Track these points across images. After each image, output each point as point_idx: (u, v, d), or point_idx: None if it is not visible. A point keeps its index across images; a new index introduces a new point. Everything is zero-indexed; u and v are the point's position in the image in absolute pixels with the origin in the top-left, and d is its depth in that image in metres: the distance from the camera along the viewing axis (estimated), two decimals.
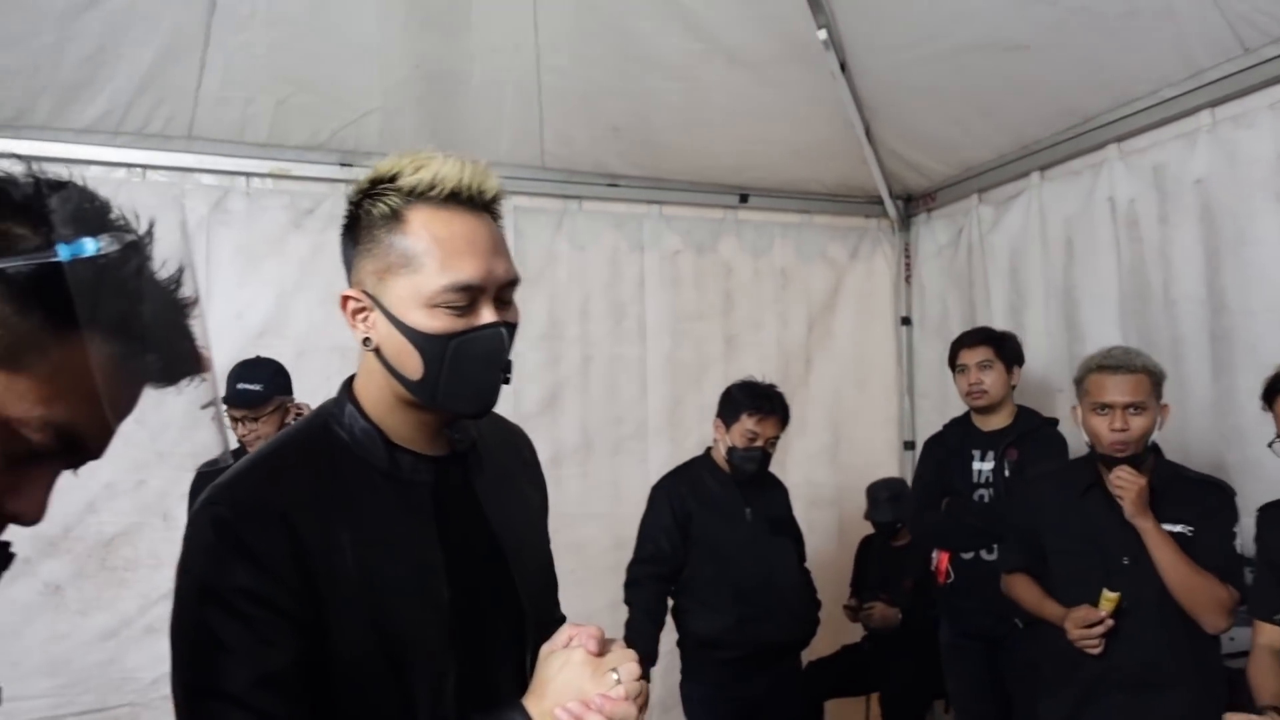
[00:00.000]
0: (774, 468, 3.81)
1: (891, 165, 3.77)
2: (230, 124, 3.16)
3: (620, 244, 3.69)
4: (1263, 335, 2.52)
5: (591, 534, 3.50)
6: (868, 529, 3.60)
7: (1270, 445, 1.90)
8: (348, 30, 2.96)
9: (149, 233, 0.65)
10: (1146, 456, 2.14)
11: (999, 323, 3.48)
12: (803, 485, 3.91)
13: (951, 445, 2.94)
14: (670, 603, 2.65)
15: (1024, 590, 2.32)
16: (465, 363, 0.99)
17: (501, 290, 1.02)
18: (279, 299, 3.26)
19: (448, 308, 0.98)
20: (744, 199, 3.83)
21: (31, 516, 0.64)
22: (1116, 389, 2.11)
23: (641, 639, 2.37)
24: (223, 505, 0.96)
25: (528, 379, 3.49)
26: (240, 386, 2.65)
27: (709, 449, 2.77)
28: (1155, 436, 2.16)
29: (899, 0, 2.94)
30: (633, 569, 2.58)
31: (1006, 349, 2.89)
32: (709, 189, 3.78)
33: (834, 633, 3.56)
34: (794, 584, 2.66)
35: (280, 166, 3.28)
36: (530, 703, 0.98)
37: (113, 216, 0.63)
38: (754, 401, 2.58)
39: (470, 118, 3.32)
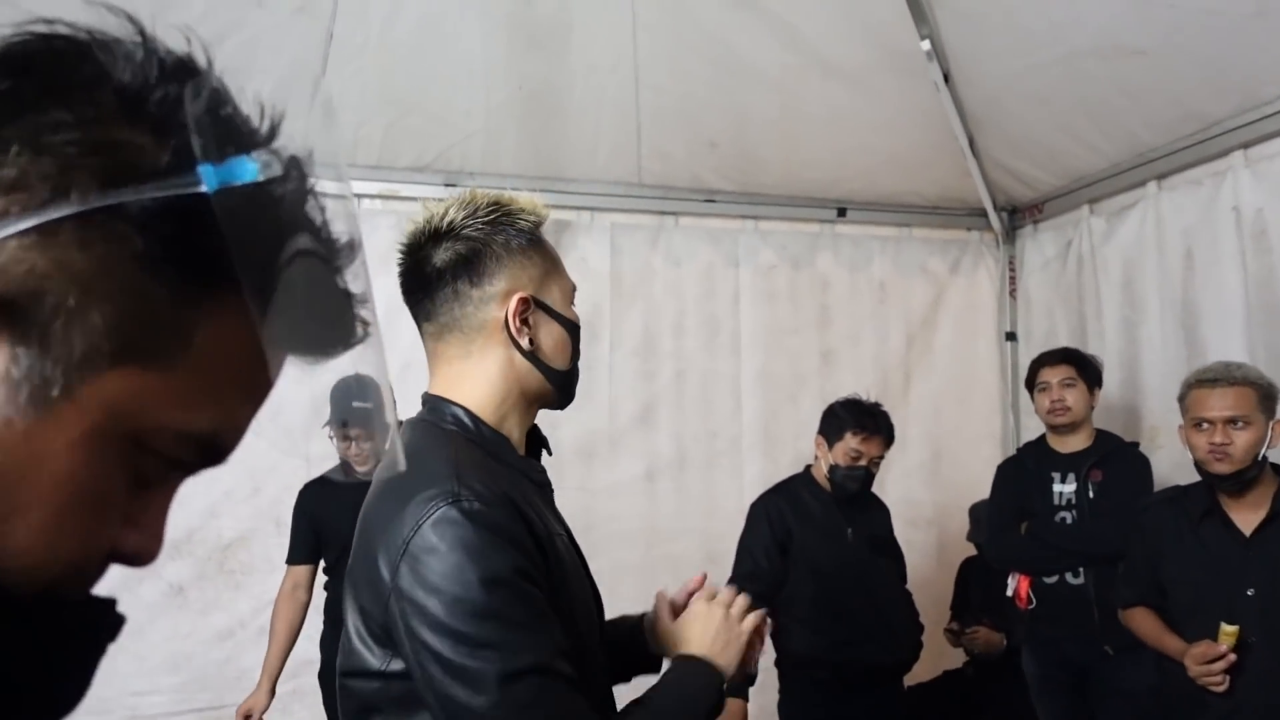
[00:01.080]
0: (873, 486, 3.80)
1: (996, 176, 3.67)
2: (344, 147, 3.29)
3: (716, 259, 3.69)
4: None
5: (684, 549, 3.50)
6: (968, 549, 3.49)
7: None
8: (454, 53, 3.05)
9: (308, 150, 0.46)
10: (1256, 473, 2.03)
11: (1112, 338, 3.35)
12: (901, 504, 3.81)
13: (1029, 468, 2.84)
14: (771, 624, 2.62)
15: (1144, 623, 2.21)
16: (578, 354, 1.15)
17: None
18: (387, 315, 3.29)
19: (571, 305, 1.15)
20: (842, 213, 3.79)
21: (150, 555, 0.46)
22: (1215, 403, 2.04)
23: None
24: (465, 500, 0.95)
25: (623, 393, 3.52)
26: (357, 405, 2.58)
27: (809, 466, 2.73)
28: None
29: (1006, 8, 2.86)
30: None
31: (1089, 369, 2.79)
32: (805, 203, 3.75)
33: (935, 657, 3.46)
34: (896, 605, 2.59)
35: (389, 188, 3.40)
36: (700, 653, 1.12)
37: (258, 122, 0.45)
38: (859, 420, 2.54)
39: (568, 136, 3.38)
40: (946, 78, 3.14)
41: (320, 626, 2.80)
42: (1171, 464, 2.78)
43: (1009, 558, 2.86)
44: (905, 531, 3.81)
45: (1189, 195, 3.04)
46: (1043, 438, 2.92)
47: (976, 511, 3.37)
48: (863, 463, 2.52)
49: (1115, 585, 2.38)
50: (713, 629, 1.14)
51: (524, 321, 1.09)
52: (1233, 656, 1.94)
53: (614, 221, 3.58)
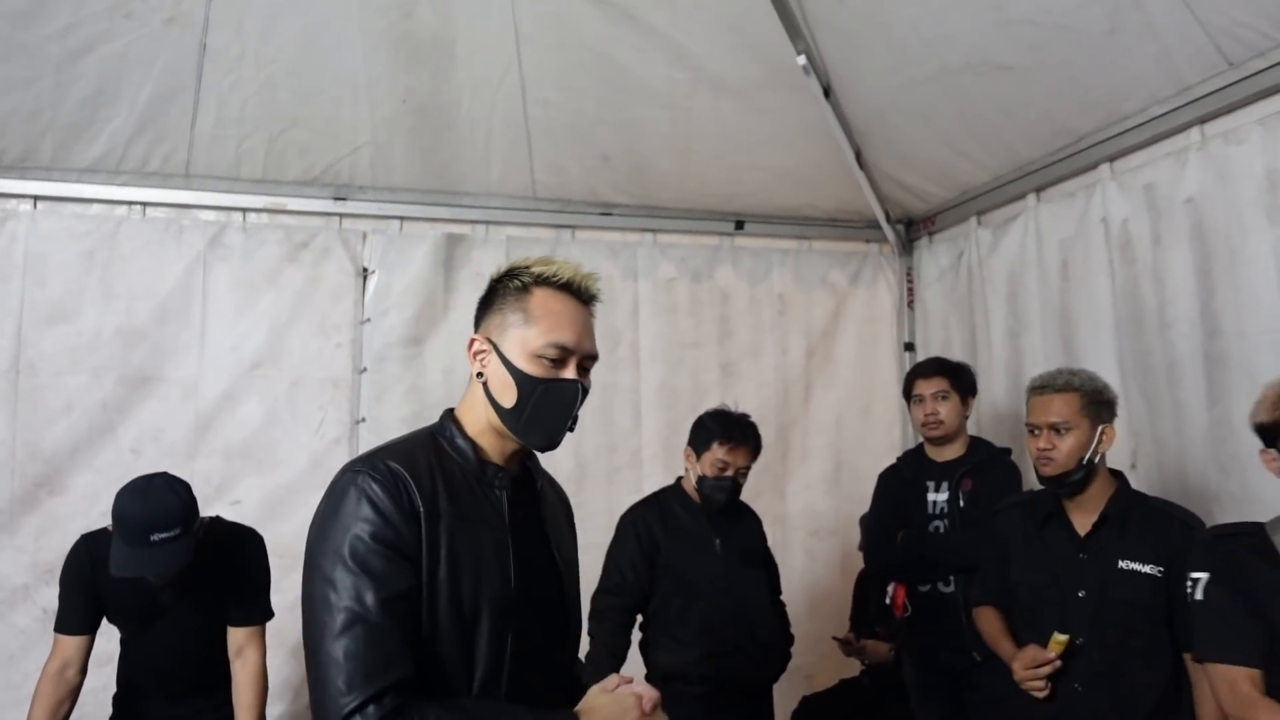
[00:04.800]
0: (774, 496, 3.81)
1: (887, 189, 3.72)
2: (226, 161, 3.24)
3: (614, 272, 3.69)
4: (1258, 359, 2.41)
5: (585, 564, 3.42)
6: None
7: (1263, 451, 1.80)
8: (335, 65, 3.03)
9: None
10: (1088, 477, 2.08)
11: (998, 348, 3.41)
12: (804, 515, 3.86)
13: (906, 477, 2.88)
14: (640, 636, 2.61)
15: (986, 624, 2.25)
16: (546, 403, 1.30)
17: (584, 360, 1.36)
18: (273, 331, 3.32)
19: (545, 359, 1.30)
20: (740, 226, 3.82)
21: None
22: (1042, 409, 2.10)
23: (599, 672, 2.32)
24: (358, 470, 1.24)
25: None
26: (158, 539, 2.04)
27: (680, 478, 2.73)
28: (1121, 462, 2.07)
29: (880, 24, 2.91)
30: (597, 600, 2.55)
31: (962, 379, 2.84)
32: (703, 216, 3.78)
33: (835, 666, 3.48)
34: (765, 617, 2.59)
35: (275, 201, 3.36)
36: (582, 716, 1.24)
37: None
38: (726, 430, 2.55)
39: (460, 150, 3.37)
40: (827, 92, 3.18)
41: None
42: None
43: (886, 566, 2.89)
44: (807, 542, 3.86)
45: (1064, 207, 3.11)
46: (921, 447, 2.96)
47: (865, 522, 3.39)
48: (729, 473, 2.52)
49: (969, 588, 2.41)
50: (611, 711, 1.24)
51: (479, 358, 1.35)
52: (1059, 663, 1.97)
53: (510, 235, 3.57)
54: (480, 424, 1.34)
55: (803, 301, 3.89)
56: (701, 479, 2.56)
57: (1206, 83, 2.52)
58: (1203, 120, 2.58)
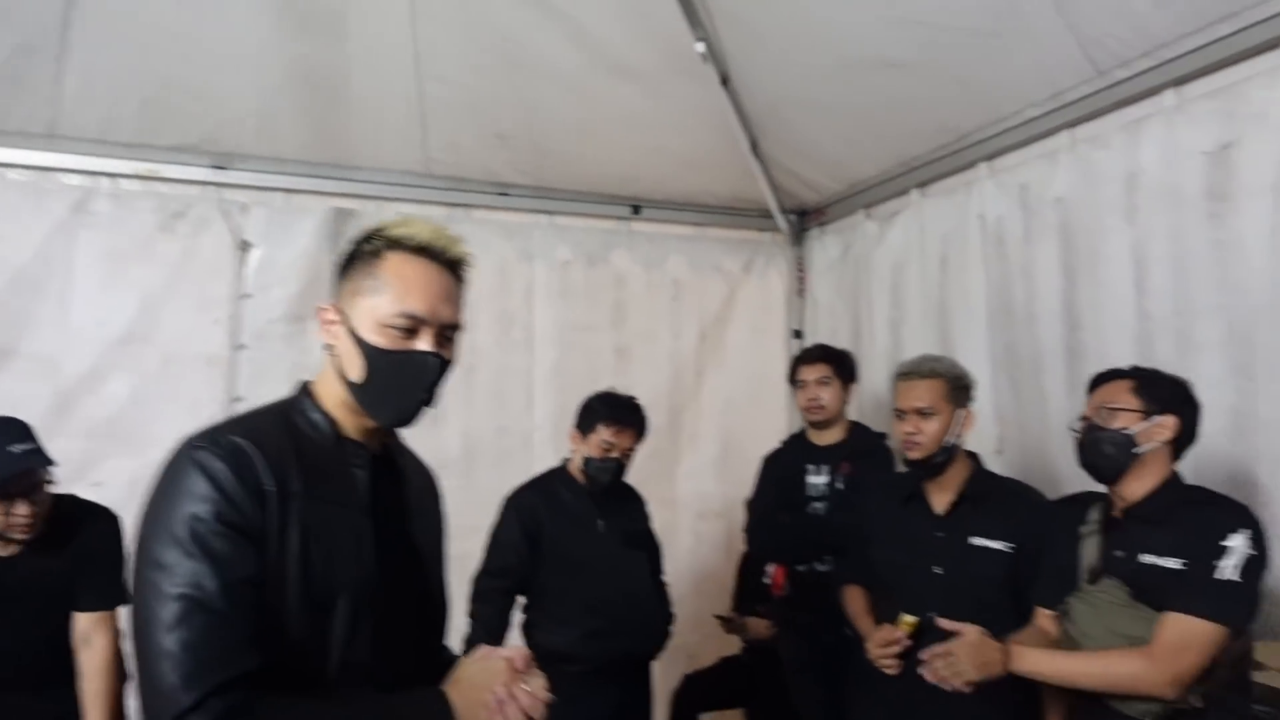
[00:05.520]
0: (664, 479, 3.85)
1: (781, 179, 3.79)
2: (94, 122, 3.05)
3: (509, 254, 3.65)
4: (1111, 351, 2.56)
5: (472, 547, 3.39)
6: None
7: (1070, 427, 1.96)
8: (217, 31, 2.87)
9: None
10: (949, 459, 2.19)
11: (881, 337, 3.53)
12: (692, 497, 3.92)
13: (788, 460, 2.97)
14: (522, 617, 2.61)
15: (851, 602, 2.35)
16: (396, 376, 1.21)
17: (444, 330, 1.25)
18: (145, 306, 3.15)
19: (395, 329, 1.21)
20: (637, 210, 3.83)
21: None
22: (908, 394, 2.20)
23: None
24: (196, 445, 1.15)
25: None
26: (18, 450, 2.05)
27: (566, 460, 2.74)
28: (980, 447, 2.18)
29: (778, 16, 2.95)
30: (479, 581, 2.53)
31: (844, 366, 2.94)
32: (601, 199, 3.77)
33: (718, 645, 3.55)
34: (646, 596, 2.62)
35: (149, 168, 3.18)
36: (449, 690, 1.18)
37: None
38: (611, 412, 2.56)
39: (350, 123, 3.26)
40: (725, 81, 3.21)
41: None
42: None
43: (766, 547, 2.96)
44: (695, 524, 3.92)
45: (945, 203, 3.24)
46: (803, 431, 3.04)
47: (749, 505, 3.46)
48: (614, 455, 2.54)
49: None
50: (481, 678, 1.19)
51: (329, 328, 1.27)
52: (908, 642, 2.08)
53: (401, 212, 3.46)
54: (336, 398, 1.26)
55: (697, 287, 3.94)
56: (587, 460, 2.57)
57: (1076, 88, 2.65)
58: (1072, 124, 2.72)
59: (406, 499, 1.35)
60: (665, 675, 3.49)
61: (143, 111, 3.06)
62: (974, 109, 2.99)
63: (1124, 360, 2.51)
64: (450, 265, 1.27)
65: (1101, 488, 1.94)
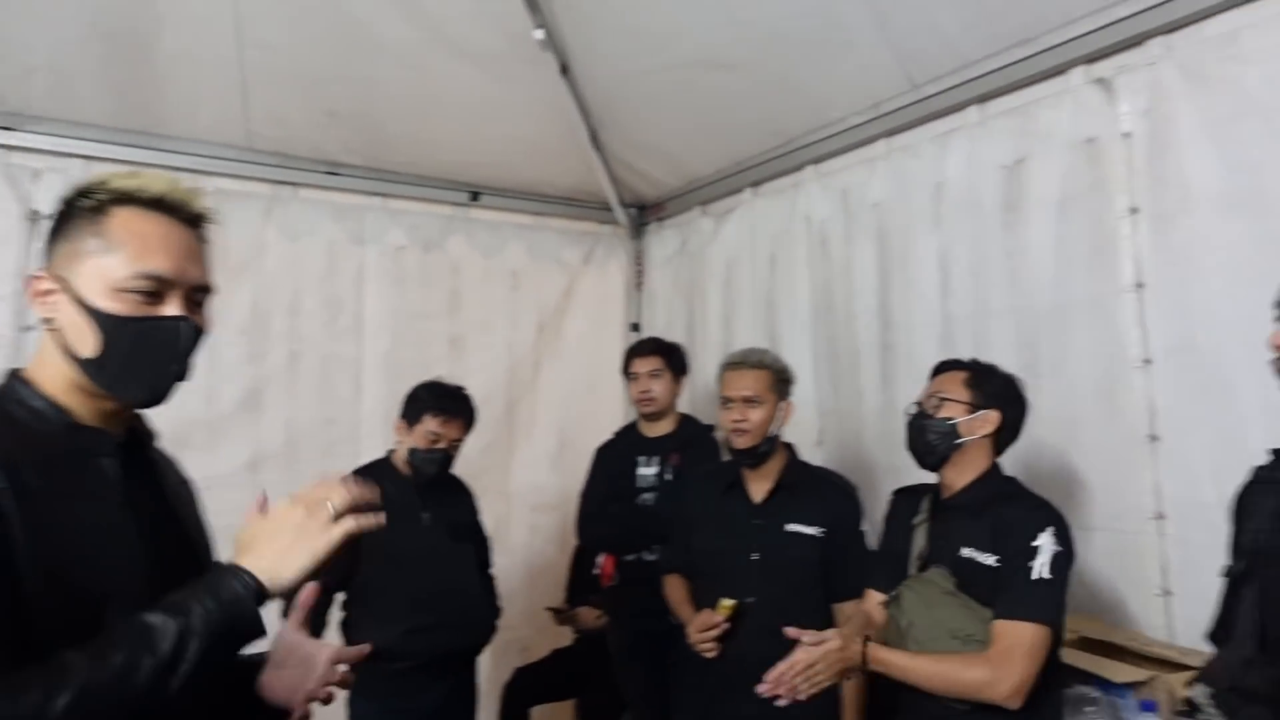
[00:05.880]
0: (499, 471, 3.80)
1: (621, 173, 3.82)
2: None
3: (339, 236, 3.50)
4: (920, 349, 2.74)
5: None
6: None
7: (905, 410, 2.00)
8: None
9: None
10: (769, 448, 2.27)
11: (714, 331, 3.62)
12: (528, 489, 3.89)
13: (619, 452, 3.01)
14: (341, 615, 2.51)
15: (672, 591, 2.40)
16: (142, 348, 1.06)
17: (193, 292, 1.10)
18: None
19: (135, 293, 1.05)
20: (475, 197, 3.76)
21: None
22: (736, 383, 2.26)
23: None
24: None
25: (224, 376, 3.23)
26: None
27: (391, 451, 2.65)
28: (803, 438, 2.27)
29: (617, 9, 2.97)
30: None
31: (675, 359, 3.00)
32: (438, 184, 3.67)
33: (552, 637, 3.54)
34: (472, 591, 2.58)
35: None
36: (243, 560, 1.02)
37: None
38: (439, 402, 2.50)
39: (161, 88, 3.02)
40: (565, 70, 3.20)
41: None
42: None
43: (596, 537, 2.99)
44: (530, 517, 3.89)
45: (775, 203, 3.36)
46: (635, 423, 3.08)
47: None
48: (441, 445, 2.48)
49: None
50: (277, 526, 1.05)
51: (45, 300, 1.08)
52: (726, 625, 2.14)
53: (220, 187, 3.26)
54: (62, 381, 1.08)
55: (536, 277, 3.91)
56: (413, 451, 2.50)
57: (892, 100, 2.81)
58: (889, 134, 2.88)
59: (165, 488, 1.19)
60: (498, 669, 3.46)
61: None
62: (802, 114, 3.11)
63: (930, 358, 2.67)
64: (192, 221, 1.11)
65: (930, 476, 2.03)
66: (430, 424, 2.47)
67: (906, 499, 2.05)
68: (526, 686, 3.26)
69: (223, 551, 1.21)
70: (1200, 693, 1.49)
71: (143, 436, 1.19)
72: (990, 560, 1.76)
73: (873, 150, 2.95)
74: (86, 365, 1.05)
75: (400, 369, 3.53)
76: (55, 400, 1.07)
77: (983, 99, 2.60)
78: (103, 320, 1.04)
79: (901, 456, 2.72)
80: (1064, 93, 2.38)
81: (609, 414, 3.94)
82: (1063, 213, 2.37)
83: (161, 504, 1.17)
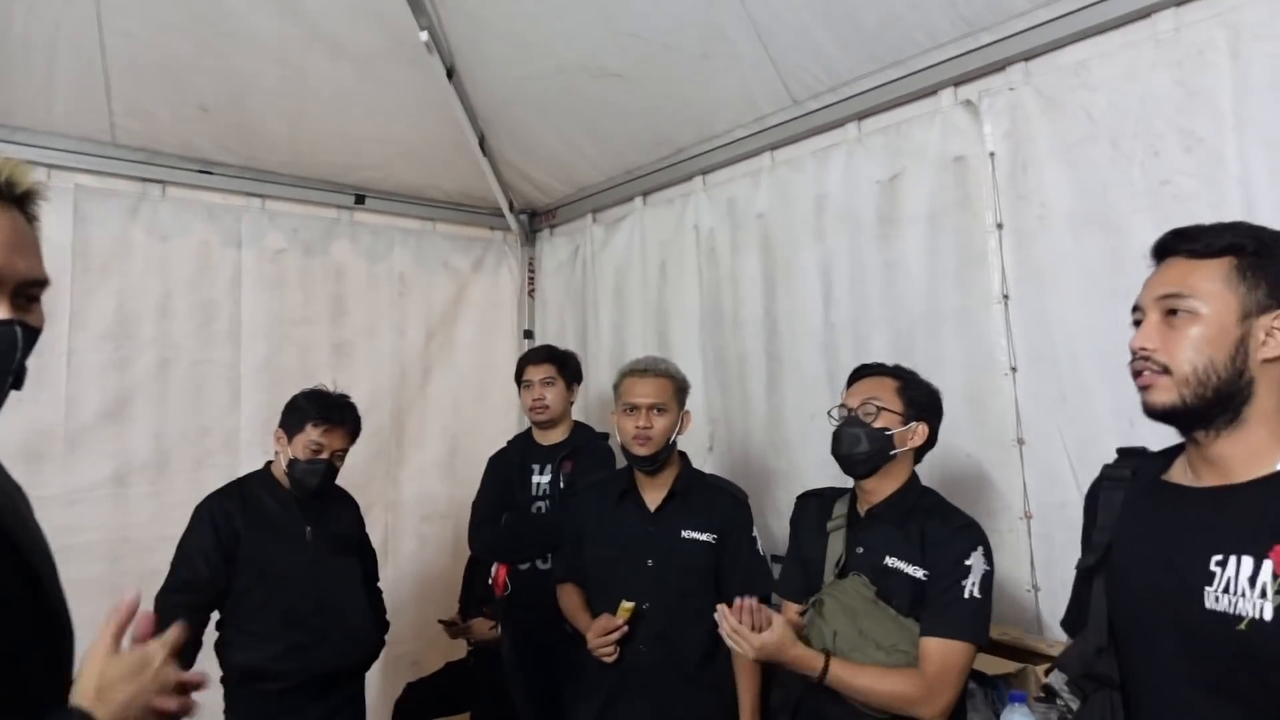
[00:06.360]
0: (387, 480, 3.71)
1: (511, 179, 3.80)
2: None
3: (213, 238, 3.33)
4: (804, 357, 2.83)
5: (163, 560, 3.08)
6: None
7: (829, 412, 1.98)
8: None
9: None
10: (668, 456, 2.29)
11: (606, 338, 3.63)
12: (418, 499, 3.81)
13: (512, 460, 3.00)
14: (215, 635, 2.39)
15: (567, 600, 2.39)
16: None
17: (23, 288, 0.96)
18: None
19: None
20: (360, 200, 3.66)
21: None
22: (642, 390, 2.27)
23: None
24: None
25: (86, 383, 3.03)
26: None
27: (269, 463, 2.55)
28: (695, 445, 2.30)
29: (504, 13, 2.95)
30: (162, 599, 2.28)
31: (568, 367, 3.01)
32: (320, 186, 3.56)
33: (442, 650, 3.47)
34: (356, 605, 2.50)
35: None
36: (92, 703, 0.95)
37: None
38: (322, 411, 2.41)
39: (11, 76, 2.82)
40: (450, 73, 3.16)
41: None
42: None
43: (487, 547, 2.95)
44: (420, 527, 3.81)
45: (665, 212, 3.40)
46: (529, 431, 3.06)
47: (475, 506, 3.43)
48: (324, 456, 2.40)
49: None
50: (127, 669, 0.98)
51: None
52: (625, 628, 2.16)
53: (79, 184, 3.07)
54: None
55: (424, 283, 3.83)
56: (293, 463, 2.40)
57: (776, 114, 2.89)
58: (773, 147, 2.96)
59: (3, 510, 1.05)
60: (388, 685, 3.37)
61: None
62: (689, 125, 3.16)
63: (814, 365, 2.79)
64: (19, 201, 0.97)
65: (830, 481, 2.07)
66: (312, 434, 2.39)
67: (815, 504, 2.04)
68: (419, 702, 3.19)
69: (67, 570, 1.12)
70: (1057, 679, 1.59)
71: None
72: (917, 573, 1.76)
73: (758, 163, 3.03)
74: None
75: (281, 376, 3.40)
76: None
77: (860, 116, 2.70)
78: None
79: (789, 461, 2.85)
80: (935, 113, 2.50)
81: (500, 422, 3.90)
82: (934, 227, 2.48)
83: (4, 543, 1.01)
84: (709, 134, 3.14)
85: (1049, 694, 1.65)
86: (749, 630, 1.73)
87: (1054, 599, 2.15)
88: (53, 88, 2.90)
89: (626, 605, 2.14)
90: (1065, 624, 1.45)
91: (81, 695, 0.96)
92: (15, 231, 0.95)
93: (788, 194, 2.90)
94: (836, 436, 1.90)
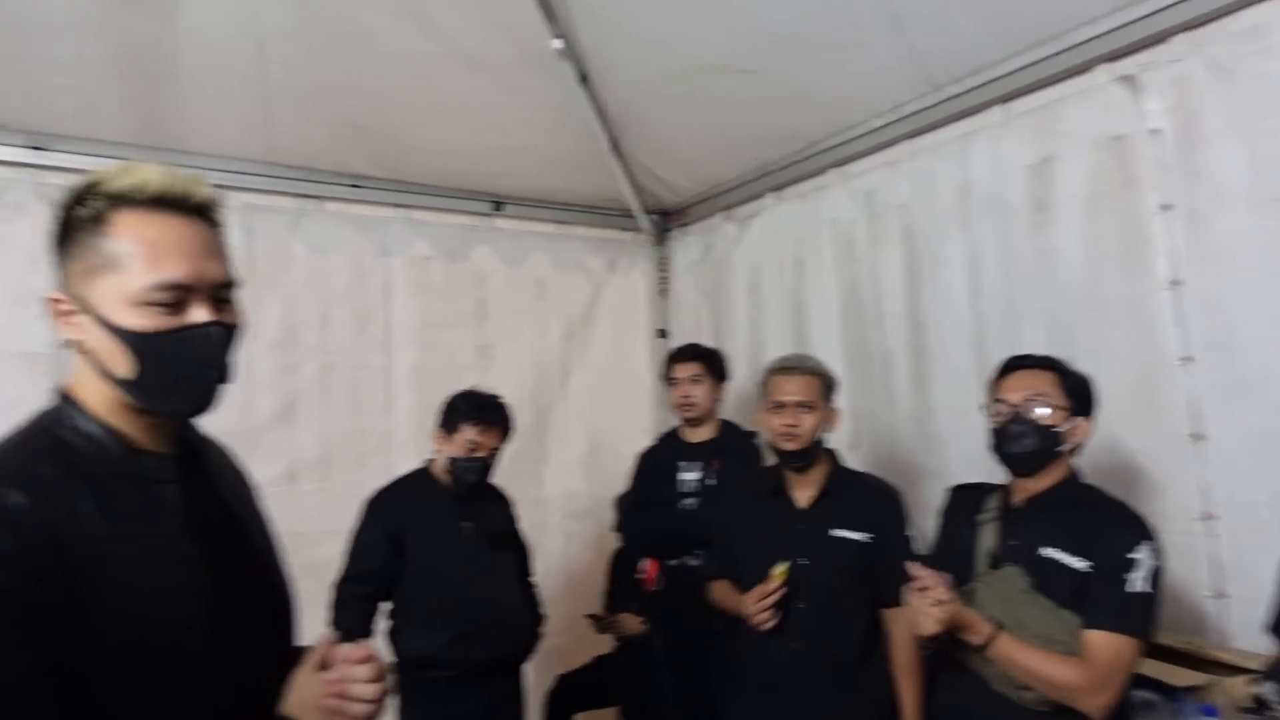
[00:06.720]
0: (531, 479, 3.82)
1: (643, 180, 3.83)
2: None
3: (365, 248, 3.53)
4: (951, 350, 2.74)
5: (331, 553, 3.27)
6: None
7: (981, 408, 1.96)
8: None
9: None
10: (816, 454, 2.27)
11: (742, 336, 3.62)
12: (561, 497, 3.91)
13: (661, 457, 3.02)
14: (387, 624, 2.53)
15: (722, 594, 2.40)
16: (176, 361, 1.02)
17: (217, 291, 1.05)
18: None
19: (157, 305, 1.00)
20: (498, 207, 3.78)
21: None
22: (789, 387, 2.25)
23: None
24: None
25: (259, 389, 3.26)
26: None
27: (429, 461, 2.68)
28: (838, 442, 2.27)
29: (634, 16, 2.97)
30: (340, 589, 2.44)
31: (716, 365, 3.01)
32: (460, 195, 3.70)
33: (591, 645, 3.55)
34: (514, 599, 2.60)
35: None
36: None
37: None
38: (476, 411, 2.52)
39: (186, 105, 3.05)
40: (584, 78, 3.22)
41: None
42: None
43: (640, 542, 3.00)
44: (564, 524, 3.91)
45: (799, 207, 3.36)
46: (677, 429, 3.09)
47: (620, 503, 3.49)
48: (480, 454, 2.51)
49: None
50: (315, 691, 1.06)
51: (67, 320, 1.04)
52: (785, 589, 2.14)
53: (246, 202, 3.29)
54: (106, 401, 1.05)
55: (560, 286, 3.93)
56: (453, 460, 2.52)
57: (913, 102, 2.81)
58: (911, 135, 2.88)
59: (222, 493, 1.17)
60: (538, 677, 3.47)
61: None
62: (822, 118, 3.11)
63: (962, 359, 2.69)
64: (199, 211, 1.06)
65: (980, 476, 2.02)
66: (468, 433, 2.50)
67: (967, 495, 2.03)
68: (569, 693, 3.27)
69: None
70: (1271, 689, 1.48)
71: (195, 445, 1.16)
72: (1078, 564, 1.72)
73: (895, 152, 2.95)
74: (125, 385, 1.02)
75: (429, 379, 3.56)
76: (106, 423, 1.04)
77: (1006, 99, 2.59)
78: (130, 339, 1.00)
79: (939, 458, 2.76)
80: (1089, 91, 2.37)
81: (639, 420, 3.96)
82: (1092, 211, 2.35)
83: (223, 519, 1.15)
84: (843, 125, 3.08)
85: (1260, 706, 1.54)
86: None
87: (1245, 606, 1.98)
88: (221, 114, 3.13)
89: (779, 568, 2.13)
90: (1274, 629, 1.35)
91: (289, 707, 1.08)
92: (202, 239, 1.05)
93: (930, 183, 2.81)
94: (999, 434, 1.85)
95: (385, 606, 2.58)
